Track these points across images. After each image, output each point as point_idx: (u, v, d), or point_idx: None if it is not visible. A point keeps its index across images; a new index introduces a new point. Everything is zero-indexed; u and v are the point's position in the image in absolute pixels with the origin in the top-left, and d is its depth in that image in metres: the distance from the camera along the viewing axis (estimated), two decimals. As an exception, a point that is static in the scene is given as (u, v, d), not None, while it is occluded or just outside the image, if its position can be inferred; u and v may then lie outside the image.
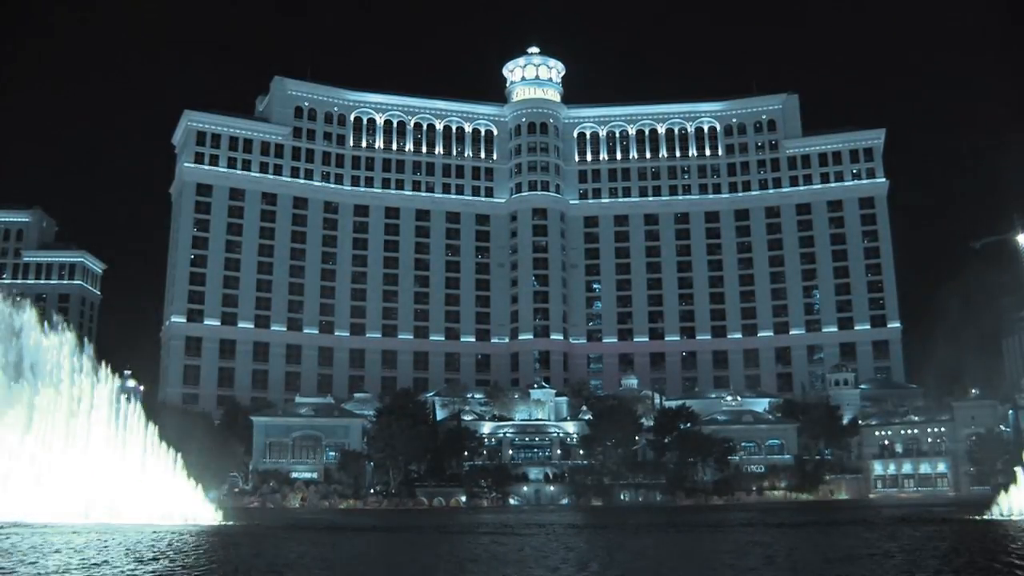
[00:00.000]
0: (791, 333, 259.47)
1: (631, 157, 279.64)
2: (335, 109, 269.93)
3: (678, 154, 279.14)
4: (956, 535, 64.78)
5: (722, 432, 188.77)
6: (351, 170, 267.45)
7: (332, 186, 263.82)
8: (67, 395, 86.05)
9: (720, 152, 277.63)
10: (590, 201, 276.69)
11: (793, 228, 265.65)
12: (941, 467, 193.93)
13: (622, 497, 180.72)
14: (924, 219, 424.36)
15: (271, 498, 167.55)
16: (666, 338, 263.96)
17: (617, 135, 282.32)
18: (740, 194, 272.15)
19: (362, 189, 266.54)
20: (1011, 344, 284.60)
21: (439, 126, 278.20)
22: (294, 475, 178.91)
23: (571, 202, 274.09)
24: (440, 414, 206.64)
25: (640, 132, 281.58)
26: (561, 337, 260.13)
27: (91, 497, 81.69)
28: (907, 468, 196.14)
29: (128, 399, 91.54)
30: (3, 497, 79.43)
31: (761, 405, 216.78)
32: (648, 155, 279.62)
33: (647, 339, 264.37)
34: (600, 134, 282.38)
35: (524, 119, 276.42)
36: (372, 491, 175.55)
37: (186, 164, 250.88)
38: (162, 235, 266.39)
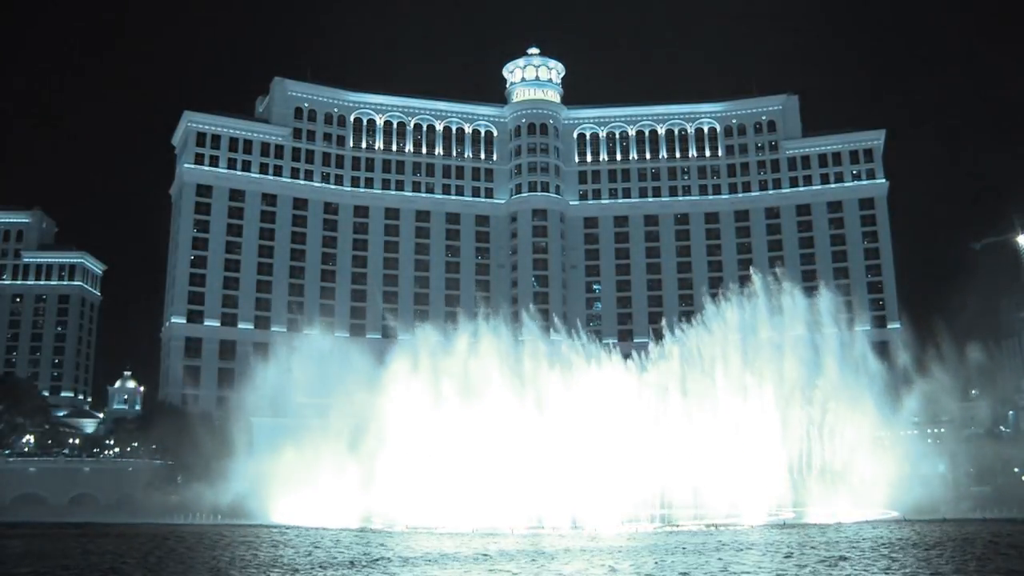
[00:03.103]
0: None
1: (631, 158, 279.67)
2: (335, 110, 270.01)
3: (678, 155, 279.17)
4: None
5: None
6: (351, 171, 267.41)
7: (332, 187, 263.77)
8: None
9: (720, 153, 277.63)
10: (590, 202, 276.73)
11: (793, 229, 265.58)
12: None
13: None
14: (924, 219, 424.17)
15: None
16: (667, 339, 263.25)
17: (617, 136, 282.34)
18: (740, 195, 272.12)
19: (362, 190, 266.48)
20: (1011, 344, 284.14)
21: (439, 127, 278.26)
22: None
23: (571, 203, 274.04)
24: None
25: (640, 133, 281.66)
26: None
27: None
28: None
29: None
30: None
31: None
32: (648, 156, 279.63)
33: (647, 340, 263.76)
34: (600, 135, 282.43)
35: (524, 120, 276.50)
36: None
37: (186, 165, 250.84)
38: (162, 236, 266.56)
